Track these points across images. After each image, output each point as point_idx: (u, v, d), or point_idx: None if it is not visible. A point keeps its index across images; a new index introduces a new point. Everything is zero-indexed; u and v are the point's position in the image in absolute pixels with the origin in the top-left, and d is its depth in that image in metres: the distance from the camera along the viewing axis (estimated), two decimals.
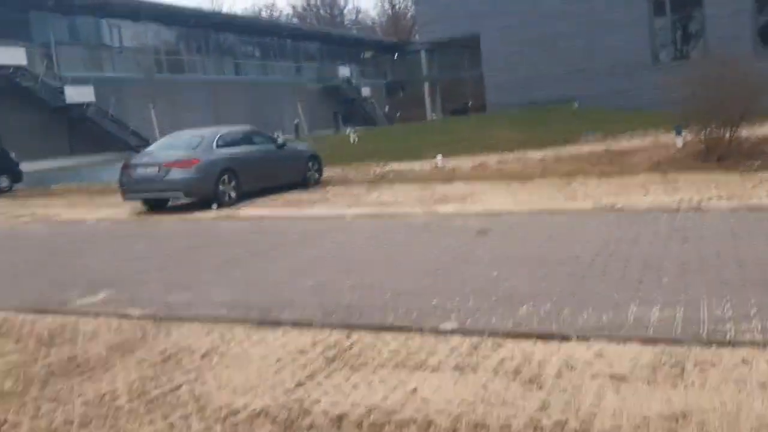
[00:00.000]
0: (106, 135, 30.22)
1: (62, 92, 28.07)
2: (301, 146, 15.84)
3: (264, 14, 65.32)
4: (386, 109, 51.98)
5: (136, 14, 34.64)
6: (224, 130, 12.68)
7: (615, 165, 12.63)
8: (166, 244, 8.50)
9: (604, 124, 21.82)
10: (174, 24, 38.58)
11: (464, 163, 15.86)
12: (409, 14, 77.01)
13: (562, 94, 28.75)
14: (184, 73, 38.46)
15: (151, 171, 11.30)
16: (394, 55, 58.97)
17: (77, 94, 28.61)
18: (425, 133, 26.82)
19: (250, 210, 11.20)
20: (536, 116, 25.96)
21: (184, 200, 11.94)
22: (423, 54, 55.27)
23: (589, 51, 28.96)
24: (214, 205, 11.60)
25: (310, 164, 14.28)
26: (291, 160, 13.80)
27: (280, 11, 70.90)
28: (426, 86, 54.40)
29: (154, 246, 8.48)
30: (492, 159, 15.81)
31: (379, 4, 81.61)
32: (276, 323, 4.61)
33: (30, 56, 26.83)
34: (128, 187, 11.56)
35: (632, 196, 9.04)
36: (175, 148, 11.90)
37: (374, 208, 10.18)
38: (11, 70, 24.88)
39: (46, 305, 5.58)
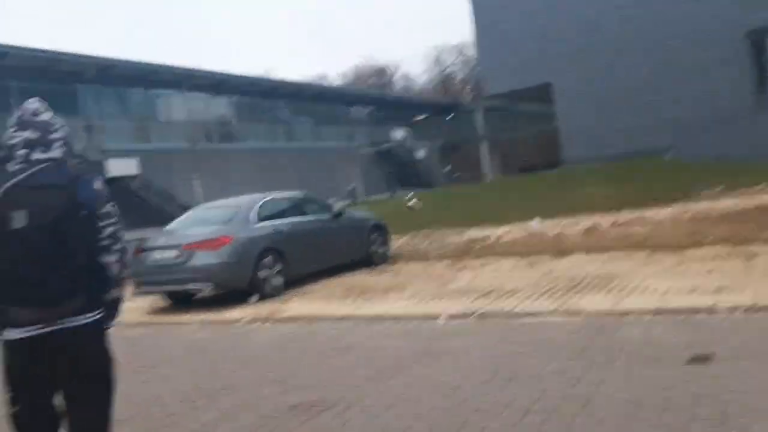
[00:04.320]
0: (152, 209, 28.23)
1: (104, 166, 26.36)
2: (362, 214, 12.95)
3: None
4: (446, 169, 49.33)
5: (183, 84, 33.31)
6: (266, 197, 9.85)
7: None
8: (165, 384, 5.53)
9: (712, 176, 18.30)
10: (223, 92, 37.19)
11: (566, 227, 12.66)
12: (459, 77, 75.50)
13: (649, 146, 25.36)
14: (234, 142, 36.76)
15: (169, 255, 8.48)
16: (447, 116, 56.76)
17: (120, 167, 26.90)
18: (494, 194, 23.73)
19: (301, 305, 8.21)
20: (624, 171, 22.58)
21: (215, 291, 9.02)
22: (478, 113, 52.90)
23: (679, 98, 25.66)
24: (254, 298, 8.69)
25: (374, 236, 11.32)
26: (351, 233, 10.87)
27: (331, 81, 70.06)
28: (483, 145, 51.75)
29: (143, 388, 5.54)
30: (603, 221, 12.56)
31: (429, 69, 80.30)
32: None
33: (70, 129, 25.24)
34: (140, 279, 8.73)
35: None
36: (202, 223, 9.15)
37: (474, 300, 7.05)
38: None
39: None
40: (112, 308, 2.54)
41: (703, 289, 6.20)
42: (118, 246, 2.47)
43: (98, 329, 2.46)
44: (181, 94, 34.00)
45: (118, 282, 2.52)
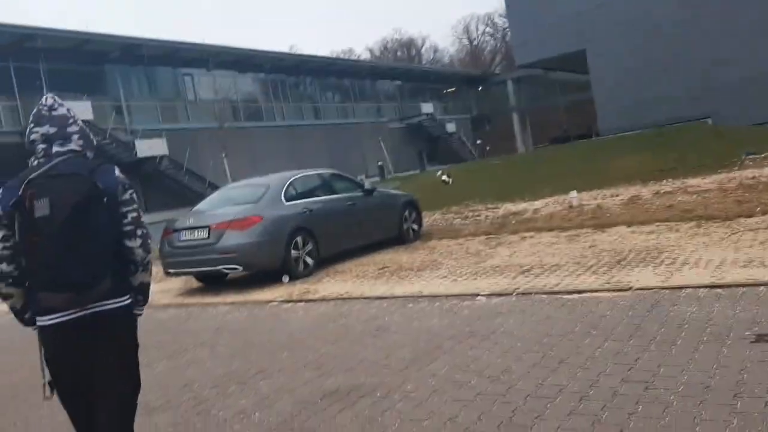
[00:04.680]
0: (182, 189, 28.33)
1: (133, 146, 26.48)
2: (393, 191, 12.67)
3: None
4: (478, 142, 48.57)
5: (209, 62, 33.14)
6: (295, 176, 9.63)
7: None
8: (197, 369, 5.37)
9: (754, 143, 17.58)
10: (249, 70, 36.97)
11: (604, 199, 12.24)
12: (489, 48, 74.15)
13: (687, 113, 24.51)
14: (262, 120, 36.62)
15: (199, 236, 8.33)
16: (478, 88, 55.82)
17: (149, 148, 27.03)
18: (528, 167, 23.19)
19: (333, 284, 8.01)
20: (662, 139, 21.85)
21: (246, 272, 8.86)
22: (509, 84, 51.92)
23: (717, 63, 24.68)
24: (285, 278, 8.52)
25: (406, 213, 11.04)
26: (383, 210, 10.61)
27: (358, 56, 69.28)
28: (515, 117, 50.85)
29: (174, 374, 5.40)
30: (644, 192, 12.10)
31: (458, 40, 78.83)
32: None
33: (98, 110, 25.38)
34: (170, 260, 8.61)
35: None
36: (231, 203, 8.97)
37: (513, 277, 6.76)
38: None
39: None
40: (140, 293, 2.58)
41: (759, 261, 5.81)
42: (140, 231, 2.51)
43: (128, 314, 2.52)
44: (208, 73, 33.88)
45: (144, 266, 2.55)
